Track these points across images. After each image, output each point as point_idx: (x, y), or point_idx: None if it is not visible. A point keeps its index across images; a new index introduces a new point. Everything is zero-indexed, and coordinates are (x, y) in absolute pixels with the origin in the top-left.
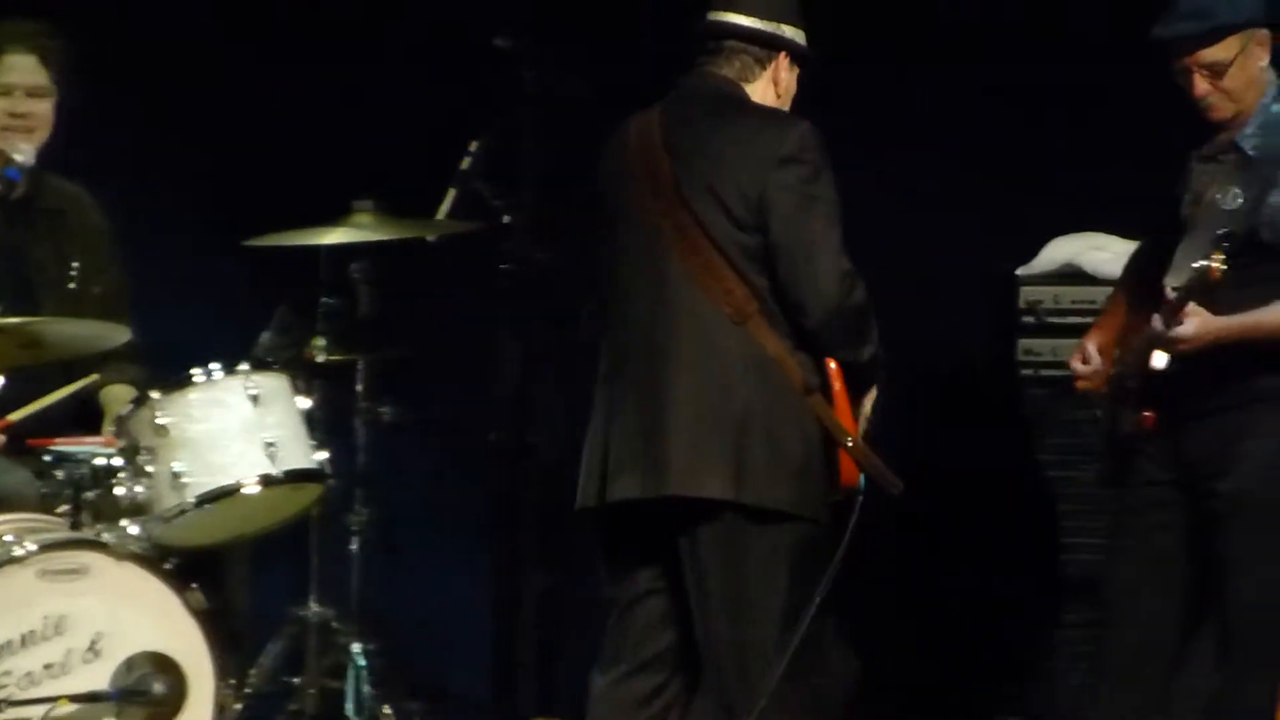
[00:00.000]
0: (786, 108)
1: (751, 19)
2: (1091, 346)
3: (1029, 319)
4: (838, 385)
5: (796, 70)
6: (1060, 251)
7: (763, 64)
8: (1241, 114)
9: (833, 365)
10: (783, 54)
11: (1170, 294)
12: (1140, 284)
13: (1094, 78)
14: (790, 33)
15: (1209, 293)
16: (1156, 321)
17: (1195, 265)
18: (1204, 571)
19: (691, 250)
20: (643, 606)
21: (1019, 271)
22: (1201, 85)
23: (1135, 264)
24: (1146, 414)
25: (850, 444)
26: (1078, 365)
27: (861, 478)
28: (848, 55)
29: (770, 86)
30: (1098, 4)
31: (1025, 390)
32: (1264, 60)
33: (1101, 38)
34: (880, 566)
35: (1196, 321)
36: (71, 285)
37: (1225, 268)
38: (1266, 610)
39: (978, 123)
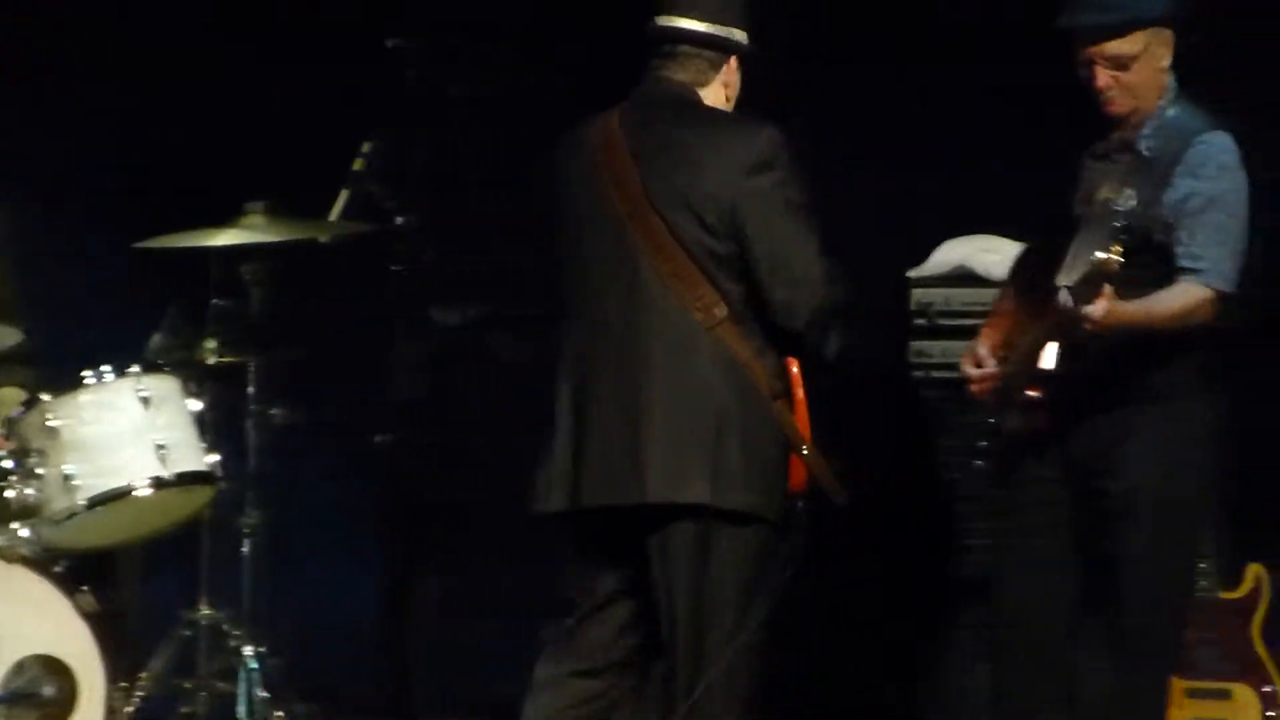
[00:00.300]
0: (732, 108)
1: (705, 24)
2: (983, 349)
3: (920, 321)
4: (799, 392)
5: (740, 71)
6: (951, 254)
7: (715, 67)
8: (1139, 112)
9: (794, 370)
10: (734, 57)
11: (1063, 293)
12: (1029, 285)
13: None
14: (740, 36)
15: (1111, 285)
16: (1065, 297)
17: (1093, 258)
18: (1094, 569)
19: (662, 255)
20: (606, 612)
21: (910, 274)
22: (1103, 77)
23: (1023, 265)
24: (1036, 414)
25: (806, 452)
26: (970, 369)
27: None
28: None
29: (721, 90)
30: None
31: (917, 392)
32: (1166, 61)
33: None
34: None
35: (1106, 303)
36: None
37: (1123, 260)
38: (1158, 609)
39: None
